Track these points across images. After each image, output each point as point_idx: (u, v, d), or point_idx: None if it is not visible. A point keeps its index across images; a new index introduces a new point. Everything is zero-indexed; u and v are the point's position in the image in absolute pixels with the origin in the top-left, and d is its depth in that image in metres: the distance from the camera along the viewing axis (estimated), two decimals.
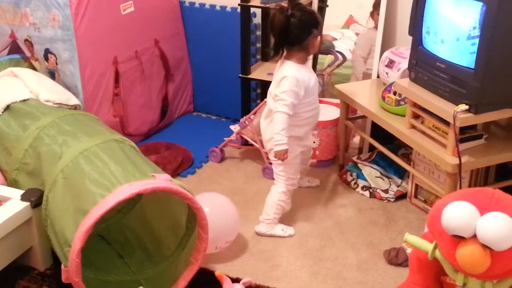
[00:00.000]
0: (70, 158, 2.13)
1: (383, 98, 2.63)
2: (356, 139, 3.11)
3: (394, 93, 2.57)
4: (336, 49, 3.21)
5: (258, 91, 3.43)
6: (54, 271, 2.18)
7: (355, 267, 2.28)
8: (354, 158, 2.91)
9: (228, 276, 2.15)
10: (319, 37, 2.35)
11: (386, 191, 2.73)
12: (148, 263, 2.24)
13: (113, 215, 2.41)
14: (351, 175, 2.85)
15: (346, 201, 2.73)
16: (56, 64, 2.82)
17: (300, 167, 2.53)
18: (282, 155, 2.31)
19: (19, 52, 2.92)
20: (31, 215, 2.15)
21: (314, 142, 2.87)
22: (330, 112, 3.04)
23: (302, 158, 2.54)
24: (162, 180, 2.00)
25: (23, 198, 2.16)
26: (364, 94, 2.80)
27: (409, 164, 2.62)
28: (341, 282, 2.20)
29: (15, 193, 2.19)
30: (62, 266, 1.95)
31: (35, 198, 2.15)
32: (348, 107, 2.86)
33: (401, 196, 2.72)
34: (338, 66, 3.25)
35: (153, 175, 2.02)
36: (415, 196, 2.68)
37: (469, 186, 2.45)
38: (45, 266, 2.25)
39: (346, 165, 2.93)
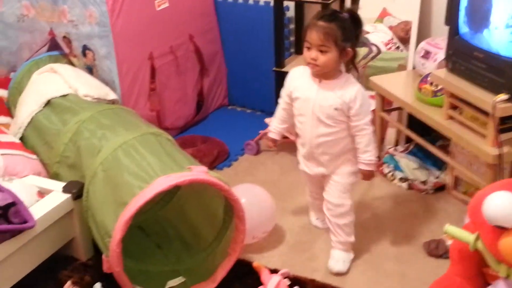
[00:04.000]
0: (109, 151, 2.17)
1: (420, 89, 2.60)
2: (392, 131, 3.07)
3: (431, 84, 2.54)
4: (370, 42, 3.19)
5: None
6: (96, 262, 2.21)
7: (394, 259, 2.26)
8: (391, 150, 2.89)
9: (266, 267, 2.16)
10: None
11: (424, 182, 2.70)
12: (186, 254, 2.27)
13: (152, 207, 2.45)
14: (388, 167, 2.82)
15: (383, 193, 2.71)
16: (94, 60, 2.87)
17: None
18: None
19: (58, 49, 2.97)
20: (73, 207, 2.20)
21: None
22: None
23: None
24: (199, 172, 2.01)
25: (65, 190, 2.20)
26: (399, 86, 2.77)
27: (448, 156, 2.59)
28: (380, 274, 2.19)
29: (57, 186, 2.24)
30: (104, 256, 1.99)
31: (76, 190, 2.19)
32: (383, 99, 2.84)
33: (440, 188, 2.69)
34: (372, 58, 3.23)
35: (190, 167, 2.03)
36: (455, 188, 2.64)
37: (510, 176, 2.41)
38: (87, 257, 2.29)
39: (383, 157, 2.90)
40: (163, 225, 2.44)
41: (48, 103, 2.61)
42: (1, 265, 1.93)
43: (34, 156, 2.45)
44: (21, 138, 2.58)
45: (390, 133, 3.07)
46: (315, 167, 2.17)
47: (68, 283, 2.14)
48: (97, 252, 2.20)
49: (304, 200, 2.64)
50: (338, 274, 2.18)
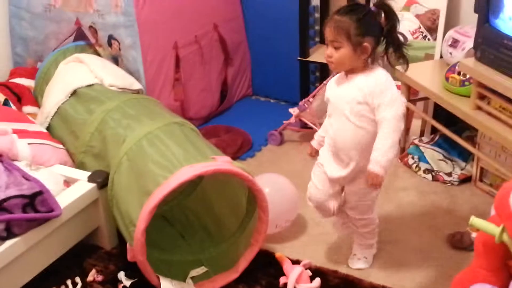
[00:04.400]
0: (134, 141, 2.19)
1: (447, 78, 2.56)
2: (418, 121, 3.04)
3: (459, 74, 2.50)
4: None
5: (317, 74, 3.40)
6: (120, 251, 2.24)
7: (417, 251, 2.24)
8: (416, 141, 2.86)
9: (288, 258, 2.16)
10: None
11: (449, 174, 2.67)
12: (210, 243, 2.28)
13: (175, 196, 2.47)
14: (413, 158, 2.79)
15: (408, 184, 2.68)
16: (119, 50, 2.89)
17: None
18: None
19: (84, 39, 2.99)
20: (98, 196, 2.22)
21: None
22: None
23: None
24: (223, 162, 2.02)
25: (90, 179, 2.23)
26: (426, 75, 2.74)
27: (474, 147, 2.55)
28: (402, 266, 2.17)
29: (82, 175, 2.27)
30: (128, 245, 2.01)
31: (101, 180, 2.21)
32: (409, 88, 2.80)
33: (465, 180, 2.65)
34: None
35: (213, 157, 2.04)
36: (480, 180, 2.60)
37: None
38: (111, 246, 2.32)
39: (407, 148, 2.87)
40: (187, 215, 2.45)
41: (74, 92, 2.63)
42: (28, 252, 1.97)
43: (61, 146, 2.49)
44: (48, 128, 2.61)
45: (416, 124, 3.03)
46: (339, 171, 1.97)
47: (93, 271, 2.17)
48: (121, 241, 2.23)
49: None
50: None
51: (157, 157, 2.07)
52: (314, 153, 2.12)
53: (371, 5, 1.86)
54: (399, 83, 2.90)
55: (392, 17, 1.84)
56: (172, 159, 2.04)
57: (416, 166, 2.76)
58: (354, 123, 1.87)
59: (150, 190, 1.94)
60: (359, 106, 1.85)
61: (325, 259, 2.22)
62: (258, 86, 3.60)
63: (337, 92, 1.92)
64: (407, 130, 2.95)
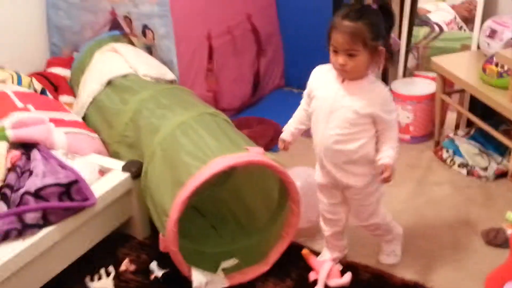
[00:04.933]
0: (167, 131, 2.20)
1: (484, 70, 2.50)
2: (453, 114, 2.99)
3: (496, 65, 2.44)
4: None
5: None
6: (152, 241, 2.27)
7: (450, 246, 2.22)
8: (451, 134, 2.81)
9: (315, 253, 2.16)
10: None
11: (485, 169, 2.62)
12: (241, 235, 2.29)
13: (208, 187, 2.48)
14: (447, 151, 2.75)
15: (442, 178, 2.64)
16: (153, 39, 2.91)
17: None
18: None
19: (119, 29, 3.02)
20: (132, 186, 2.25)
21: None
22: (425, 86, 2.94)
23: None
24: (255, 153, 2.02)
25: (124, 169, 2.26)
26: (462, 67, 2.68)
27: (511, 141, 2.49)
28: (435, 261, 2.15)
29: (117, 165, 2.30)
30: (160, 236, 2.03)
31: (135, 169, 2.24)
32: (445, 80, 2.75)
33: (501, 175, 2.60)
34: (434, 38, 3.13)
35: (246, 148, 2.04)
36: None
37: None
38: (144, 236, 2.35)
39: (442, 141, 2.83)
40: (218, 206, 2.47)
41: (109, 82, 2.66)
42: (63, 241, 2.01)
43: (96, 135, 2.52)
44: (84, 117, 2.65)
45: (451, 117, 2.99)
46: (325, 176, 1.95)
47: (126, 260, 2.21)
48: (153, 232, 2.26)
49: None
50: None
51: (191, 147, 2.08)
52: (288, 146, 2.05)
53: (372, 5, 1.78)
54: (433, 74, 2.86)
55: (391, 18, 1.78)
56: (205, 149, 2.05)
57: (451, 160, 2.72)
58: (343, 127, 1.81)
59: (183, 181, 1.95)
60: (355, 116, 1.78)
61: (355, 253, 2.21)
62: (291, 77, 3.58)
63: (329, 93, 1.82)
64: (442, 123, 2.90)
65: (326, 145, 1.85)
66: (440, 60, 2.75)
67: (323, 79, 1.86)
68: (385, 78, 2.96)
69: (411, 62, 3.14)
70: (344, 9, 1.73)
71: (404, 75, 3.10)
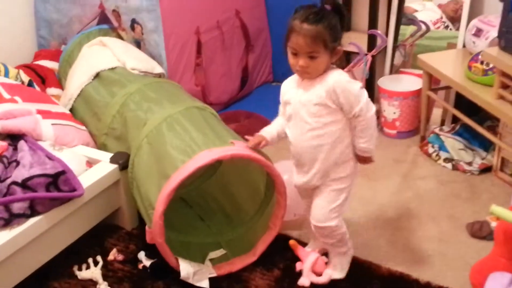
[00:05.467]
0: (154, 124, 2.21)
1: (470, 68, 2.54)
2: (438, 110, 3.02)
3: (481, 63, 2.48)
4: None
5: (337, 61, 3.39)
6: (140, 231, 2.27)
7: (435, 239, 2.24)
8: (436, 130, 2.84)
9: (304, 242, 2.18)
10: None
11: (469, 163, 2.65)
12: (228, 226, 2.30)
13: (195, 180, 2.49)
14: (433, 146, 2.78)
15: (427, 173, 2.68)
16: (142, 34, 2.91)
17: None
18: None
19: (108, 22, 3.02)
20: (119, 177, 2.25)
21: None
22: (411, 82, 2.97)
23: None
24: (241, 147, 2.03)
25: (112, 160, 2.26)
26: (448, 64, 2.72)
27: (496, 137, 2.53)
28: (420, 253, 2.17)
29: (105, 156, 2.30)
30: (147, 228, 2.04)
31: (123, 161, 2.24)
32: (431, 77, 2.79)
33: (486, 170, 2.63)
34: (421, 36, 3.16)
35: (232, 142, 2.05)
36: (501, 170, 2.58)
37: None
38: (132, 226, 2.35)
39: (428, 136, 2.86)
40: (206, 198, 2.48)
41: (97, 75, 2.66)
42: (51, 231, 2.01)
43: (83, 127, 2.52)
44: (71, 110, 2.65)
45: (436, 113, 3.02)
46: (302, 177, 1.94)
47: (114, 250, 2.21)
48: (141, 222, 2.26)
49: None
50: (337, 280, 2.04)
51: (176, 141, 2.09)
52: (257, 143, 1.99)
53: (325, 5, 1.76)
54: (419, 71, 2.89)
55: (344, 15, 1.76)
56: (190, 143, 2.05)
57: (436, 155, 2.75)
58: (314, 127, 1.82)
59: (169, 174, 1.96)
60: (317, 108, 1.79)
61: None
62: (279, 73, 3.60)
63: (293, 95, 1.85)
64: (428, 119, 2.94)
65: (303, 147, 1.87)
66: (427, 58, 2.78)
67: (290, 86, 1.89)
68: (372, 75, 2.98)
69: (398, 60, 3.17)
70: (302, 12, 1.74)
71: (391, 72, 3.13)
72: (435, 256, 2.15)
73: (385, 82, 3.00)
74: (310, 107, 1.80)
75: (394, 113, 2.92)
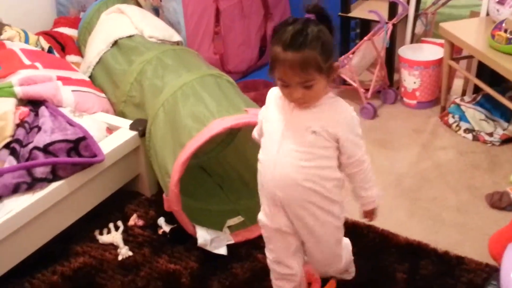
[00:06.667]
0: (169, 93, 2.20)
1: (493, 36, 2.49)
2: (459, 81, 2.98)
3: (505, 31, 2.43)
4: None
5: (358, 30, 3.34)
6: (160, 197, 2.28)
7: (454, 209, 2.24)
8: (457, 100, 2.81)
9: None
10: None
11: (490, 134, 2.62)
12: (246, 194, 2.31)
13: (213, 148, 2.50)
14: (453, 117, 2.75)
15: (447, 143, 2.65)
16: (160, 0, 2.89)
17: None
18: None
19: None
20: (139, 143, 2.27)
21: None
22: (432, 52, 2.93)
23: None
24: (255, 114, 2.02)
25: (132, 127, 2.27)
26: (471, 33, 2.67)
27: None
28: (439, 223, 2.17)
29: (124, 123, 2.31)
30: (164, 196, 2.06)
31: (142, 128, 2.25)
32: (453, 46, 2.74)
33: (507, 140, 2.60)
34: (443, 4, 3.11)
35: (246, 110, 2.04)
36: None
37: None
38: (151, 193, 2.37)
39: (448, 107, 2.83)
40: (225, 167, 2.49)
41: (115, 43, 2.66)
42: (72, 195, 2.04)
43: (103, 94, 2.53)
44: (90, 77, 2.65)
45: (457, 83, 2.99)
46: (278, 217, 1.59)
47: (134, 216, 2.24)
48: (161, 189, 2.27)
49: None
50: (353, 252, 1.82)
51: (191, 109, 2.09)
52: None
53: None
54: (441, 41, 2.85)
55: (330, 21, 1.43)
56: (205, 111, 2.05)
57: (457, 126, 2.72)
58: (301, 158, 1.47)
59: (184, 142, 1.97)
60: (313, 137, 1.46)
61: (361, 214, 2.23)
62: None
63: (280, 117, 1.50)
64: (448, 89, 2.90)
65: (281, 174, 1.50)
66: (449, 26, 2.73)
67: (273, 102, 1.55)
68: (393, 44, 2.94)
69: (419, 28, 3.12)
70: (282, 33, 1.37)
71: (412, 41, 3.09)
72: (454, 226, 2.15)
73: (406, 51, 2.96)
74: (304, 134, 1.46)
75: (415, 83, 2.89)
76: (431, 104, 2.96)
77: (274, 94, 1.56)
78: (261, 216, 1.66)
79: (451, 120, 2.76)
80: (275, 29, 1.41)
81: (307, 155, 1.48)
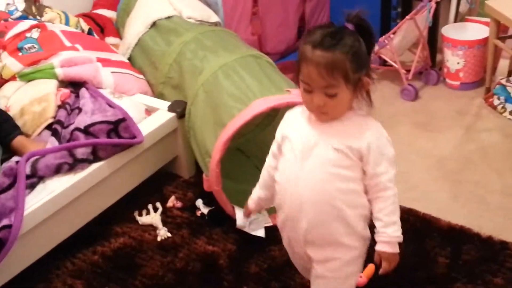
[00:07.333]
0: (210, 73, 2.20)
1: None
2: (505, 61, 2.88)
3: None
4: None
5: (399, 9, 3.26)
6: (198, 179, 2.30)
7: (499, 193, 2.17)
8: (503, 81, 2.72)
9: None
10: None
11: None
12: None
13: (252, 129, 2.48)
14: (499, 98, 2.67)
15: (492, 125, 2.58)
16: None
17: None
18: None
19: None
20: (177, 125, 2.27)
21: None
22: (477, 31, 2.84)
23: None
24: (296, 95, 2.00)
25: (170, 109, 2.27)
26: None
27: None
28: (482, 206, 2.12)
29: (163, 105, 2.32)
30: (204, 176, 2.06)
31: (181, 110, 2.25)
32: (499, 25, 2.65)
33: None
34: None
35: (288, 90, 2.02)
36: None
37: None
38: (189, 175, 2.38)
39: (493, 88, 2.74)
40: (263, 149, 2.45)
41: (153, 24, 2.66)
42: (112, 176, 2.06)
43: (141, 76, 2.54)
44: (129, 59, 2.66)
45: (503, 63, 2.89)
46: (296, 243, 1.47)
47: (172, 198, 2.25)
48: (199, 171, 2.28)
49: (403, 129, 2.57)
50: None
51: (232, 89, 2.08)
52: (248, 214, 1.71)
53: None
54: (486, 19, 2.75)
55: (371, 39, 1.34)
56: (246, 91, 2.04)
57: (502, 107, 2.64)
58: (322, 178, 1.35)
59: (225, 122, 1.96)
60: (336, 155, 1.34)
61: (402, 197, 2.16)
62: (336, 22, 3.48)
63: (302, 136, 1.38)
64: (494, 69, 2.81)
65: (300, 202, 1.38)
66: (495, 4, 2.63)
67: (297, 120, 1.43)
68: (436, 23, 2.86)
69: (464, 7, 3.02)
70: (314, 33, 1.30)
71: (456, 20, 3.00)
72: (498, 210, 2.09)
73: (450, 31, 2.87)
74: (328, 152, 1.34)
75: (458, 63, 2.80)
76: (475, 85, 2.87)
77: (295, 112, 1.46)
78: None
79: (496, 102, 2.67)
80: (309, 30, 1.33)
81: (329, 176, 1.34)
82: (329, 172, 1.35)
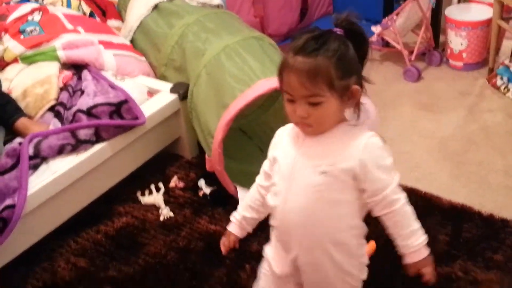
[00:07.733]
0: (212, 55, 2.20)
1: None
2: (509, 42, 2.86)
3: None
4: None
5: None
6: (200, 160, 2.31)
7: (501, 173, 2.17)
8: (506, 62, 2.71)
9: None
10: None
11: None
12: None
13: (254, 111, 2.49)
14: (502, 79, 2.66)
15: (495, 106, 2.57)
16: None
17: None
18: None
19: None
20: (179, 107, 2.28)
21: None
22: (480, 11, 2.82)
23: None
24: None
25: (172, 90, 2.28)
26: None
27: None
28: (484, 187, 2.12)
29: (165, 86, 2.32)
30: (206, 156, 2.07)
31: (183, 91, 2.25)
32: (502, 5, 2.63)
33: None
34: None
35: None
36: None
37: None
38: (191, 155, 2.39)
39: (496, 68, 2.73)
40: (265, 130, 2.48)
41: (156, 7, 2.65)
42: (115, 157, 2.07)
43: (143, 58, 2.54)
44: (131, 41, 2.66)
45: (506, 44, 2.87)
46: (285, 264, 1.34)
47: (174, 178, 2.26)
48: (201, 152, 2.29)
49: (406, 110, 2.57)
50: None
51: (235, 70, 2.08)
52: (232, 244, 1.48)
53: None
54: (490, 0, 2.74)
55: (364, 39, 1.22)
56: (249, 72, 2.04)
57: (505, 88, 2.63)
58: (312, 200, 1.23)
59: (227, 103, 1.97)
60: (323, 178, 1.21)
61: (404, 177, 2.17)
62: (339, 4, 3.49)
63: (288, 156, 1.27)
64: (497, 50, 2.79)
65: (290, 225, 1.28)
66: None
67: (285, 138, 1.33)
68: (439, 4, 2.84)
69: None
70: (299, 38, 1.18)
71: (459, 1, 2.98)
72: (500, 190, 2.09)
73: (453, 11, 2.86)
74: (313, 176, 1.22)
75: (461, 44, 2.79)
76: (478, 66, 2.86)
77: (285, 130, 1.36)
78: (268, 250, 1.42)
79: (499, 82, 2.66)
80: (295, 36, 1.21)
81: (314, 202, 1.23)
82: (315, 198, 1.23)
